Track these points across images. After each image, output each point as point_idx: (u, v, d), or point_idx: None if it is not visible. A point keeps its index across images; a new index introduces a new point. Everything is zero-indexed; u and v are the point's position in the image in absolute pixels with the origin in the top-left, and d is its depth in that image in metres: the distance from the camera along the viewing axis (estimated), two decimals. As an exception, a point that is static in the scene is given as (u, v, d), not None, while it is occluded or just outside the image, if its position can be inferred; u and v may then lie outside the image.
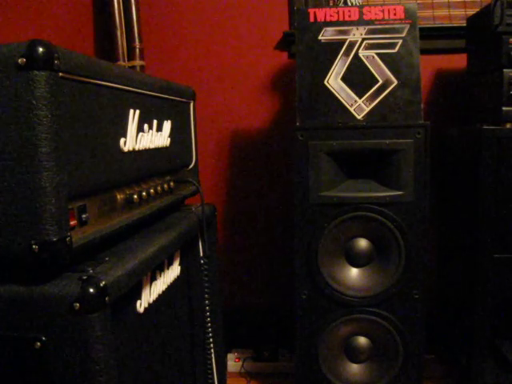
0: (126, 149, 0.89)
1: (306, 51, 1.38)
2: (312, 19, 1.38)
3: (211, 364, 1.19)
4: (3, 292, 0.68)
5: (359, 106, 1.37)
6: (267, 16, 1.84)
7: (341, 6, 1.40)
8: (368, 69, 1.36)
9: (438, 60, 1.79)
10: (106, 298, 0.69)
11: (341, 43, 1.37)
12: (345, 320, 1.40)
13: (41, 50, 0.64)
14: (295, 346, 1.44)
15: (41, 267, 0.69)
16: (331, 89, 1.37)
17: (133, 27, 1.80)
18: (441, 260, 1.81)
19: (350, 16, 1.37)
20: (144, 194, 0.97)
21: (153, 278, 0.94)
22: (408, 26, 1.36)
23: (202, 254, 1.23)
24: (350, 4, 1.59)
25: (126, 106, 0.90)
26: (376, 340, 1.42)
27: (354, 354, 1.44)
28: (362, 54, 1.36)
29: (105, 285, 0.69)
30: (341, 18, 1.37)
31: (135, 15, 1.80)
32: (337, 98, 1.37)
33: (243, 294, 1.97)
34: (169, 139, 1.13)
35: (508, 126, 1.38)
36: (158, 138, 1.06)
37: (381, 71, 1.36)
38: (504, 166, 1.36)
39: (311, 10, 1.38)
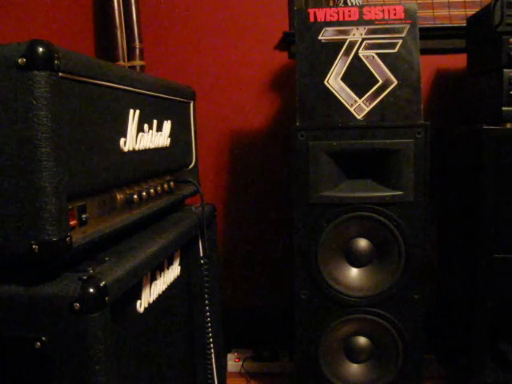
0: (125, 149, 0.89)
1: (305, 51, 1.38)
2: (312, 19, 1.38)
3: (211, 364, 1.19)
4: (3, 292, 0.68)
5: (359, 106, 1.37)
6: (267, 16, 1.84)
7: (341, 6, 1.40)
8: (368, 69, 1.36)
9: (438, 60, 1.79)
10: (106, 298, 0.69)
11: (341, 43, 1.37)
12: (345, 320, 1.40)
13: (41, 49, 0.64)
14: (295, 346, 1.44)
15: (41, 267, 0.69)
16: (331, 89, 1.37)
17: (133, 27, 1.80)
18: (441, 260, 1.81)
19: (350, 16, 1.37)
20: (144, 193, 0.97)
21: (153, 278, 0.94)
22: (408, 26, 1.36)
23: (202, 254, 1.23)
24: (349, 4, 1.59)
25: (126, 106, 0.90)
26: (376, 340, 1.42)
27: (354, 354, 1.44)
28: (362, 53, 1.36)
29: (105, 285, 0.69)
30: (341, 18, 1.37)
31: (135, 15, 1.80)
32: (337, 97, 1.37)
33: (243, 294, 1.97)
34: (169, 139, 1.13)
35: (508, 125, 1.38)
36: (157, 138, 1.06)
37: (381, 71, 1.36)
38: (504, 166, 1.36)
39: (311, 10, 1.38)
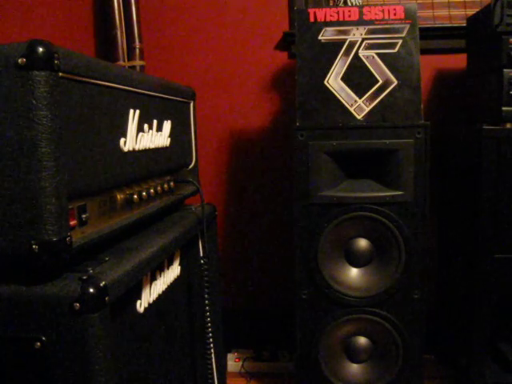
0: (126, 149, 0.89)
1: (306, 51, 1.38)
2: (312, 19, 1.38)
3: (211, 364, 1.19)
4: (3, 292, 0.68)
5: (359, 106, 1.37)
6: (267, 16, 1.84)
7: (341, 6, 1.40)
8: (368, 69, 1.36)
9: (438, 60, 1.79)
10: (106, 298, 0.69)
11: (341, 43, 1.37)
12: (345, 320, 1.40)
13: (41, 50, 0.64)
14: (295, 346, 1.44)
15: (41, 267, 0.69)
16: (331, 89, 1.37)
17: (133, 27, 1.80)
18: (441, 260, 1.81)
19: (350, 16, 1.37)
20: (144, 194, 0.98)
21: (153, 278, 0.94)
22: (408, 26, 1.36)
23: (202, 254, 1.23)
24: (350, 4, 1.59)
25: (126, 106, 0.90)
26: (376, 340, 1.42)
27: (354, 354, 1.44)
28: (362, 53, 1.36)
29: (105, 285, 0.69)
30: (341, 18, 1.37)
31: (135, 15, 1.80)
32: (337, 97, 1.37)
33: (243, 294, 1.97)
34: (169, 139, 1.13)
35: (508, 125, 1.38)
36: (157, 138, 1.06)
37: (381, 71, 1.36)
38: (504, 166, 1.36)
39: (311, 10, 1.38)
